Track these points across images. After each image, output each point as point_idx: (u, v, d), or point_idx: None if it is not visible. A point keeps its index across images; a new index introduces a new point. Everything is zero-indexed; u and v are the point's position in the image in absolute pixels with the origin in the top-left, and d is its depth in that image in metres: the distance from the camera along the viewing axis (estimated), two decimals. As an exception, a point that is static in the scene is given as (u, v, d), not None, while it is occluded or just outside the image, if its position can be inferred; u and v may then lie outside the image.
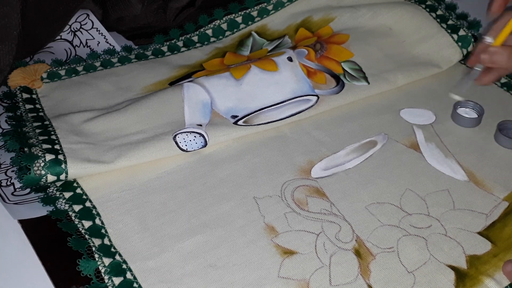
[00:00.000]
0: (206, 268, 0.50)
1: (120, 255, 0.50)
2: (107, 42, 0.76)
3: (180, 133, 0.60)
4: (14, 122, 0.62)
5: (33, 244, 0.51)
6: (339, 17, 0.78)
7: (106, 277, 0.48)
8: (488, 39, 0.58)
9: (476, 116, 0.66)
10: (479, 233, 0.54)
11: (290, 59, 0.69)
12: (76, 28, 0.77)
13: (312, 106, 0.66)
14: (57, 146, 0.57)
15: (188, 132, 0.60)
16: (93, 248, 0.50)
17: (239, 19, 0.80)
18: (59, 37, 0.76)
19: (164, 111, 0.63)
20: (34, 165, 0.54)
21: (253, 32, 0.79)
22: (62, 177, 0.55)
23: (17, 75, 0.68)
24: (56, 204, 0.54)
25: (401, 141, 0.64)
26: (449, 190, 0.58)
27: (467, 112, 0.67)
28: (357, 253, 0.52)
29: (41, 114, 0.64)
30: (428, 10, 0.78)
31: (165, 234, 0.52)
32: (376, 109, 0.68)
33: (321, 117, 0.66)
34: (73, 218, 0.53)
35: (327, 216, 0.55)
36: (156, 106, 0.63)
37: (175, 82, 0.69)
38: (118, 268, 0.49)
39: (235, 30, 0.79)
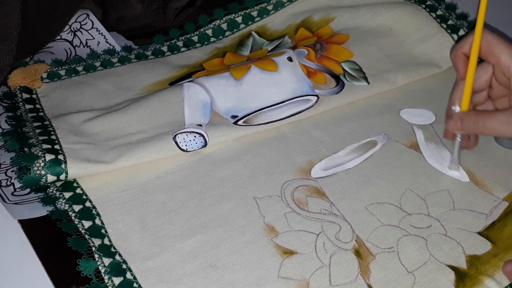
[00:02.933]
0: (206, 268, 0.50)
1: (120, 255, 0.50)
2: (107, 42, 0.76)
3: (180, 133, 0.60)
4: (14, 122, 0.62)
5: (33, 244, 0.51)
6: (339, 17, 0.78)
7: (106, 277, 0.48)
8: (456, 108, 0.56)
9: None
10: (479, 233, 0.54)
11: (290, 59, 0.69)
12: (76, 28, 0.77)
13: (312, 106, 0.66)
14: (57, 146, 0.57)
15: (188, 132, 0.60)
16: (93, 248, 0.50)
17: (239, 19, 0.80)
18: (59, 37, 0.76)
19: (164, 111, 0.63)
20: (34, 165, 0.54)
21: (253, 32, 0.79)
22: (62, 177, 0.55)
23: (17, 75, 0.68)
24: (56, 204, 0.54)
25: (401, 141, 0.64)
26: (449, 190, 0.58)
27: None
28: (357, 253, 0.52)
29: (41, 114, 0.64)
30: (428, 10, 0.78)
31: (165, 234, 0.52)
32: (376, 109, 0.68)
33: (321, 117, 0.66)
34: (73, 218, 0.53)
35: (327, 216, 0.55)
36: (156, 106, 0.63)
37: (175, 82, 0.69)
38: (118, 268, 0.49)
39: (235, 30, 0.79)
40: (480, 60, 0.55)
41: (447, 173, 0.60)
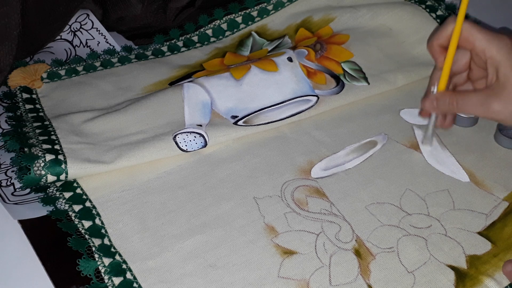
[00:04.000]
0: (206, 268, 0.50)
1: (120, 255, 0.50)
2: (107, 42, 0.76)
3: (180, 133, 0.60)
4: (14, 122, 0.62)
5: (33, 244, 0.51)
6: (339, 17, 0.78)
7: (106, 277, 0.48)
8: (434, 89, 0.57)
9: (473, 116, 0.66)
10: (479, 233, 0.54)
11: (290, 59, 0.69)
12: (76, 28, 0.77)
13: (312, 106, 0.66)
14: (57, 146, 0.57)
15: (188, 132, 0.60)
16: (93, 248, 0.50)
17: (239, 19, 0.80)
18: (59, 37, 0.76)
19: (164, 111, 0.63)
20: (34, 165, 0.54)
21: (253, 32, 0.79)
22: (62, 177, 0.55)
23: (17, 75, 0.68)
24: (56, 204, 0.54)
25: (401, 141, 0.64)
26: (449, 190, 0.58)
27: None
28: (357, 253, 0.52)
29: (41, 114, 0.64)
30: (428, 10, 0.78)
31: (165, 234, 0.52)
32: (376, 109, 0.68)
33: (321, 117, 0.66)
34: (73, 218, 0.53)
35: (327, 216, 0.55)
36: (156, 106, 0.63)
37: (175, 82, 0.69)
38: (118, 268, 0.49)
39: (235, 30, 0.79)
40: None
41: (447, 172, 0.60)
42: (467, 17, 0.56)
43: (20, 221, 0.53)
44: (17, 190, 0.57)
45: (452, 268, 0.51)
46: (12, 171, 0.58)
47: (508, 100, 0.53)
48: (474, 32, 0.54)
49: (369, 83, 0.70)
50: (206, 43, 0.78)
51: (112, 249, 0.51)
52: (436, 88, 0.57)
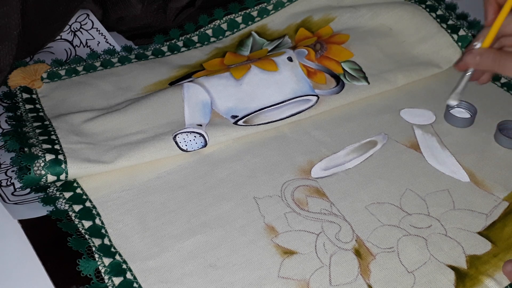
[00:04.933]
0: (206, 268, 0.50)
1: (120, 255, 0.50)
2: (107, 42, 0.76)
3: (180, 133, 0.60)
4: (14, 122, 0.62)
5: (33, 244, 0.51)
6: (339, 17, 0.78)
7: (106, 277, 0.48)
8: (477, 44, 0.57)
9: (469, 116, 0.66)
10: (479, 233, 0.54)
11: (290, 59, 0.69)
12: (76, 28, 0.77)
13: (312, 106, 0.66)
14: (57, 146, 0.57)
15: (188, 132, 0.60)
16: (93, 248, 0.50)
17: (239, 19, 0.80)
18: (59, 37, 0.76)
19: (164, 111, 0.63)
20: (34, 165, 0.54)
21: (253, 32, 0.79)
22: (62, 177, 0.55)
23: (17, 75, 0.68)
24: (56, 204, 0.54)
25: (401, 141, 0.64)
26: (449, 190, 0.58)
27: (460, 112, 0.67)
28: (357, 253, 0.52)
29: (41, 114, 0.64)
30: (428, 10, 0.78)
31: (165, 234, 0.52)
32: (376, 109, 0.68)
33: (321, 117, 0.66)
34: (73, 218, 0.53)
35: (327, 216, 0.55)
36: (156, 106, 0.63)
37: (175, 82, 0.69)
38: (118, 268, 0.49)
39: (235, 30, 0.79)
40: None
41: (447, 172, 0.60)
42: None
43: (20, 221, 0.53)
44: (17, 190, 0.57)
45: (452, 268, 0.51)
46: (12, 171, 0.58)
47: None
48: None
49: (369, 83, 0.70)
50: (206, 43, 0.78)
51: (112, 249, 0.51)
52: (480, 44, 0.56)
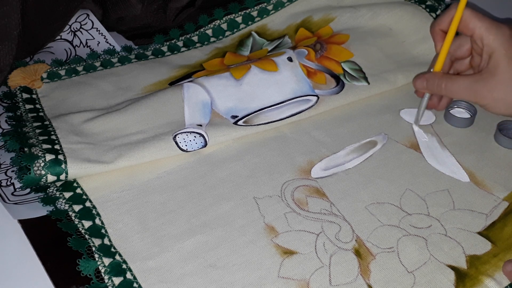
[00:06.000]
0: (206, 268, 0.50)
1: (120, 255, 0.50)
2: (107, 42, 0.76)
3: (180, 133, 0.60)
4: (14, 122, 0.62)
5: (33, 244, 0.51)
6: (339, 17, 0.78)
7: (106, 277, 0.48)
8: (431, 70, 0.61)
9: (469, 116, 0.66)
10: (479, 233, 0.54)
11: (290, 59, 0.69)
12: (76, 28, 0.77)
13: (312, 106, 0.66)
14: (57, 146, 0.57)
15: (188, 132, 0.60)
16: (93, 248, 0.50)
17: (239, 19, 0.80)
18: (59, 37, 0.76)
19: (164, 111, 0.63)
20: (34, 165, 0.54)
21: (253, 32, 0.79)
22: (62, 177, 0.55)
23: (17, 75, 0.68)
24: (56, 204, 0.54)
25: (401, 141, 0.64)
26: (449, 190, 0.58)
27: (460, 112, 0.67)
28: (357, 253, 0.52)
29: (41, 114, 0.64)
30: (428, 10, 0.78)
31: (165, 234, 0.52)
32: (376, 109, 0.68)
33: (321, 117, 0.66)
34: (73, 218, 0.53)
35: (327, 216, 0.55)
36: (156, 106, 0.63)
37: (175, 82, 0.69)
38: (118, 268, 0.49)
39: (235, 30, 0.79)
40: (457, 33, 0.60)
41: (447, 172, 0.60)
42: (469, 5, 0.58)
43: (20, 221, 0.53)
44: (17, 190, 0.57)
45: (452, 268, 0.51)
46: (12, 171, 0.58)
47: (494, 87, 0.55)
48: (475, 19, 0.56)
49: (369, 83, 0.70)
50: (206, 43, 0.78)
51: (112, 249, 0.51)
52: (432, 70, 0.60)
